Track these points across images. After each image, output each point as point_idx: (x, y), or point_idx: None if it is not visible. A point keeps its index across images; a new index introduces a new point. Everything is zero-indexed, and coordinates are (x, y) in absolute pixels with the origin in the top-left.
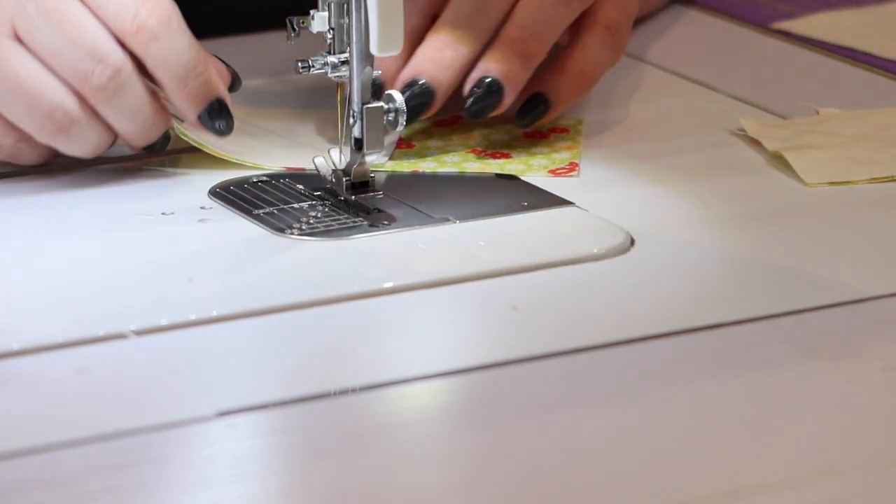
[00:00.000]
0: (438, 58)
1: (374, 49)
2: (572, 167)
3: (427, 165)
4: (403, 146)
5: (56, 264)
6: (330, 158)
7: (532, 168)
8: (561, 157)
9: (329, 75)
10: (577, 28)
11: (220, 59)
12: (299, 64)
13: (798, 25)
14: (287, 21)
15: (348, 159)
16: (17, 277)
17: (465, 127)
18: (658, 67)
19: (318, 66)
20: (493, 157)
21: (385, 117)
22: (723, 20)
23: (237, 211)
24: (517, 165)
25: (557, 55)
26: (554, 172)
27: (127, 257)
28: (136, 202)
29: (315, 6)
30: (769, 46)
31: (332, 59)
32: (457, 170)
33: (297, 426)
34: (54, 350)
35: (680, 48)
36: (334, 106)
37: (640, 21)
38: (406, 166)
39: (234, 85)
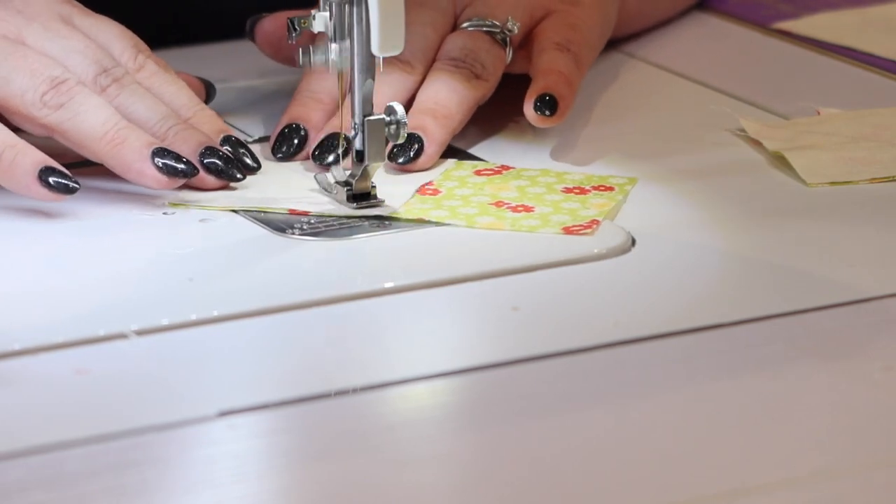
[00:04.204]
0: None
1: (375, 49)
2: (591, 224)
3: (437, 214)
4: (427, 192)
5: (56, 264)
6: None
7: (549, 224)
8: (587, 213)
9: (331, 58)
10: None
11: (194, 77)
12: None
13: (799, 26)
14: (288, 21)
15: (350, 170)
16: (17, 277)
17: (504, 178)
18: (658, 67)
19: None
20: (515, 210)
21: (387, 129)
22: (724, 20)
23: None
24: (533, 221)
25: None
26: (567, 229)
27: (127, 257)
28: (136, 202)
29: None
30: (770, 46)
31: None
32: (464, 222)
33: (298, 426)
34: (54, 350)
35: (680, 48)
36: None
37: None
38: (415, 213)
39: (209, 96)
